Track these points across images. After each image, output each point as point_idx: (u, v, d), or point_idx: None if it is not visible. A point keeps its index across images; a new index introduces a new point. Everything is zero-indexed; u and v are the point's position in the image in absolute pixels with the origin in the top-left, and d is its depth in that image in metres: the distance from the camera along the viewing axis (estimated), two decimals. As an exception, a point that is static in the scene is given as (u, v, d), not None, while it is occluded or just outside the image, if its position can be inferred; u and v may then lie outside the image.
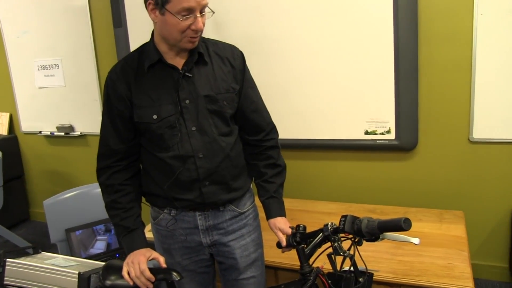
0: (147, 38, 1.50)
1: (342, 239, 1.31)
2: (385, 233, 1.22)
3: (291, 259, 1.94)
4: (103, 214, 1.66)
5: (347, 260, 1.27)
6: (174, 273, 1.42)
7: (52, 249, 2.21)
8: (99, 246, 2.40)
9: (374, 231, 1.20)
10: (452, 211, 2.59)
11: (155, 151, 1.49)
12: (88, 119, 3.71)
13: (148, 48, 1.47)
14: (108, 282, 1.40)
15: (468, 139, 2.57)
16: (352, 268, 1.27)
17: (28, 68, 3.82)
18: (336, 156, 2.92)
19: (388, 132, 2.67)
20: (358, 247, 1.28)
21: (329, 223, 1.32)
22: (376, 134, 2.70)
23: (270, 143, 1.62)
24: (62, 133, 3.83)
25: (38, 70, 3.77)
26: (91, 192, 2.43)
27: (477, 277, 2.68)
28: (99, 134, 1.55)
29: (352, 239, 1.28)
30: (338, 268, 1.30)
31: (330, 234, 1.30)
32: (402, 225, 1.12)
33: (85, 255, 2.33)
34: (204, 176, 1.48)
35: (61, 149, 3.99)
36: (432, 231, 2.34)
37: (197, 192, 1.50)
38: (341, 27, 2.64)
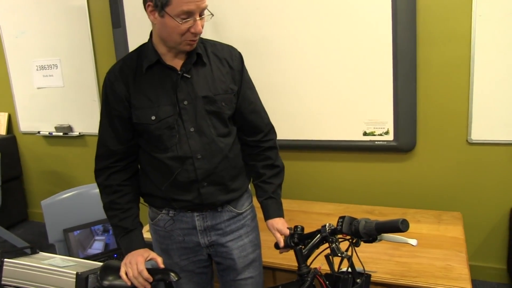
0: (145, 39, 1.50)
1: (340, 240, 1.31)
2: (382, 234, 1.22)
3: (289, 260, 1.94)
4: (101, 214, 1.66)
5: (345, 261, 1.27)
6: (172, 274, 1.43)
7: (50, 249, 2.21)
8: (97, 246, 2.40)
9: (372, 232, 1.21)
10: (450, 212, 2.60)
11: (154, 152, 1.49)
12: (87, 120, 3.71)
13: (146, 49, 1.47)
14: (106, 283, 1.40)
15: (467, 140, 2.57)
16: (349, 269, 1.27)
17: (27, 68, 3.82)
18: (335, 157, 2.92)
19: (387, 133, 2.67)
20: (355, 248, 1.28)
21: (327, 224, 1.32)
22: (374, 135, 2.71)
23: (268, 144, 1.62)
24: (61, 133, 3.83)
25: (37, 70, 3.77)
26: (89, 193, 2.43)
27: (475, 278, 2.68)
28: (97, 134, 1.55)
29: (350, 240, 1.29)
30: (336, 269, 1.30)
31: (328, 235, 1.31)
32: (399, 226, 1.12)
33: (83, 256, 2.33)
34: (202, 177, 1.48)
35: (59, 149, 3.98)
36: (430, 232, 2.34)
37: (196, 193, 1.50)
38: (339, 28, 2.64)
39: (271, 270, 2.19)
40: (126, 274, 1.39)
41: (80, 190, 2.45)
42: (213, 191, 1.51)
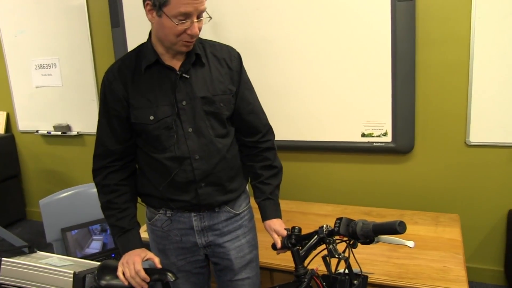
0: (144, 38, 1.50)
1: (337, 241, 1.31)
2: (380, 236, 1.22)
3: (286, 260, 1.94)
4: (99, 214, 1.66)
5: (342, 262, 1.27)
6: (169, 274, 1.43)
7: (48, 248, 2.21)
8: (95, 246, 2.39)
9: (369, 234, 1.20)
10: (448, 214, 2.60)
11: (151, 152, 1.49)
12: (85, 119, 3.71)
13: (145, 48, 1.47)
14: (103, 282, 1.41)
15: (465, 142, 2.58)
16: (346, 271, 1.27)
17: (26, 67, 3.82)
18: (333, 158, 2.92)
19: (385, 134, 2.68)
20: (353, 249, 1.28)
21: (324, 225, 1.32)
22: (372, 136, 2.71)
23: (266, 145, 1.62)
24: (59, 133, 3.82)
25: (36, 69, 3.77)
26: (87, 192, 2.43)
27: (472, 280, 2.68)
28: (95, 134, 1.55)
29: (347, 241, 1.29)
30: (333, 270, 1.30)
31: (325, 236, 1.30)
32: (397, 228, 1.12)
33: (81, 255, 2.33)
34: (200, 178, 1.48)
35: (57, 149, 3.98)
36: (428, 234, 2.34)
37: (193, 193, 1.50)
38: (338, 29, 2.65)
39: (268, 271, 2.19)
40: (123, 274, 1.40)
41: (78, 189, 2.45)
42: (211, 191, 1.51)
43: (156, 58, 1.43)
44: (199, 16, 1.35)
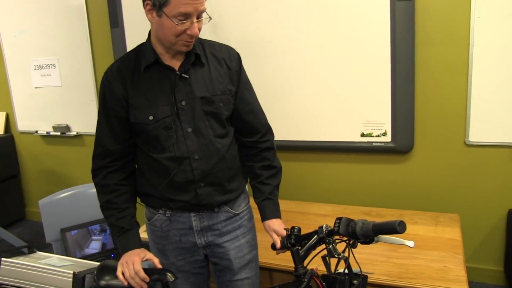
0: (144, 39, 1.50)
1: (337, 241, 1.31)
2: (379, 235, 1.22)
3: (285, 260, 1.94)
4: (98, 214, 1.66)
5: (342, 262, 1.27)
6: (169, 274, 1.43)
7: (47, 248, 2.21)
8: (94, 246, 2.39)
9: (369, 234, 1.20)
10: (448, 214, 2.60)
11: (151, 152, 1.49)
12: (84, 119, 3.70)
13: (144, 48, 1.47)
14: (102, 282, 1.40)
15: (464, 142, 2.58)
16: (346, 270, 1.27)
17: (25, 67, 3.81)
18: (332, 158, 2.92)
19: (384, 134, 2.68)
20: (352, 249, 1.28)
21: (324, 225, 1.32)
22: (372, 136, 2.71)
23: (265, 145, 1.62)
24: (58, 133, 3.82)
25: (35, 69, 3.77)
26: (86, 192, 2.43)
27: (472, 280, 2.68)
28: (95, 134, 1.54)
29: (347, 241, 1.28)
30: (333, 270, 1.30)
31: (324, 236, 1.30)
32: (396, 228, 1.12)
33: (80, 255, 2.33)
34: (199, 178, 1.48)
35: (57, 149, 3.98)
36: (427, 234, 2.34)
37: (192, 193, 1.50)
38: (338, 29, 2.64)
39: (268, 271, 2.19)
40: (123, 274, 1.40)
41: (77, 189, 2.45)
42: (210, 191, 1.51)
43: (155, 58, 1.43)
44: (199, 17, 1.35)
